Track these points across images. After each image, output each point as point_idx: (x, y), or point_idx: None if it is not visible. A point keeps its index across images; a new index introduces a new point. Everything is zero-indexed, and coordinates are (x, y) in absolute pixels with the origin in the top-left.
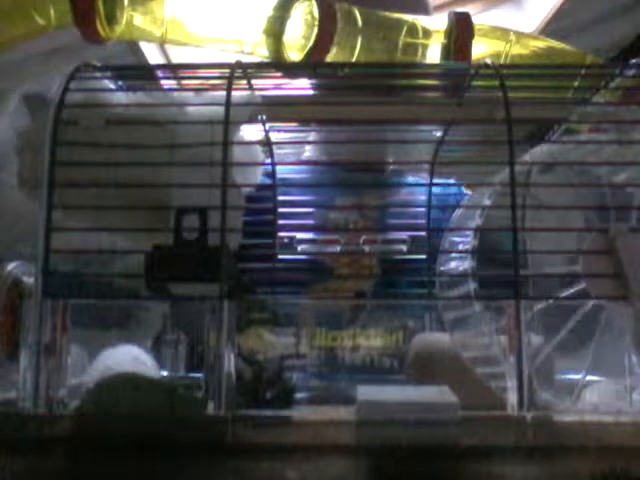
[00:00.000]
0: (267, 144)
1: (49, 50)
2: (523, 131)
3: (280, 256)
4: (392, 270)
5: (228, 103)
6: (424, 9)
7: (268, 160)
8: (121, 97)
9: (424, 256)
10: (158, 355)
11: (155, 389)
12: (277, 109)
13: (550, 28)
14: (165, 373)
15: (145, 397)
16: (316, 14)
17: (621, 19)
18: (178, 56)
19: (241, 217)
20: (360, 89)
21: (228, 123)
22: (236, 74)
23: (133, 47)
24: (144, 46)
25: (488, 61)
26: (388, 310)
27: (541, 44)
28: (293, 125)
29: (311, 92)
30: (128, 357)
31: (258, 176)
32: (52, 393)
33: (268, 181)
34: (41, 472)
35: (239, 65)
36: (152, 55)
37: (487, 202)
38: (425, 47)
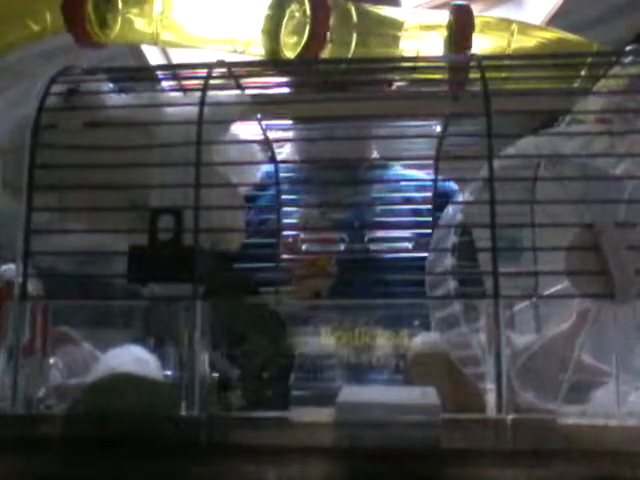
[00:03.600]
0: (267, 143)
1: (49, 50)
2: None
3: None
4: (349, 270)
5: (202, 103)
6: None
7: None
8: (102, 99)
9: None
10: (162, 355)
11: (142, 389)
12: (270, 107)
13: (550, 28)
14: (169, 373)
15: (127, 397)
16: (309, 12)
17: (621, 19)
18: (178, 56)
19: (242, 217)
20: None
21: (202, 123)
22: (223, 74)
23: (133, 48)
24: (145, 47)
25: (472, 53)
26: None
27: (547, 35)
28: (289, 123)
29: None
30: (130, 357)
31: (255, 175)
32: (31, 394)
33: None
34: (20, 473)
35: (219, 64)
36: (153, 56)
37: (468, 198)
38: (424, 41)
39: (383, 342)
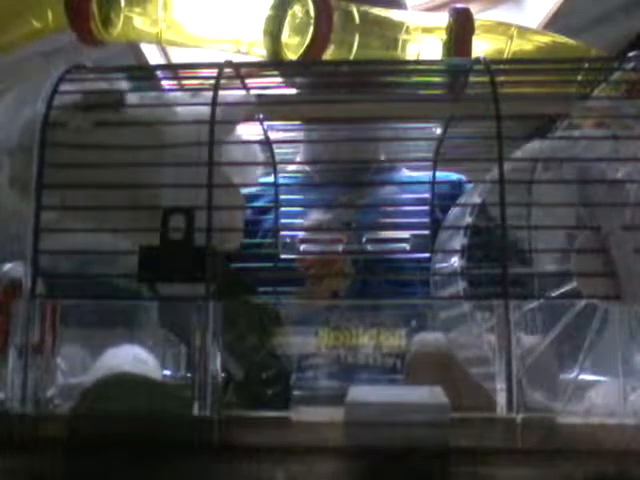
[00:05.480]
0: (266, 143)
1: (49, 50)
2: (523, 127)
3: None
4: (365, 270)
5: (214, 103)
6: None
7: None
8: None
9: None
10: (162, 355)
11: (145, 389)
12: (274, 108)
13: (550, 28)
14: (168, 372)
15: (135, 397)
16: (312, 12)
17: (621, 19)
18: (178, 56)
19: (242, 216)
20: (352, 86)
21: (214, 123)
22: (229, 74)
23: (134, 47)
24: (144, 46)
25: (480, 56)
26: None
27: (545, 39)
28: (291, 124)
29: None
30: (129, 357)
31: (257, 175)
32: (40, 393)
33: None
34: (27, 472)
35: (228, 64)
36: (152, 55)
37: (477, 200)
38: (425, 44)
39: (382, 342)
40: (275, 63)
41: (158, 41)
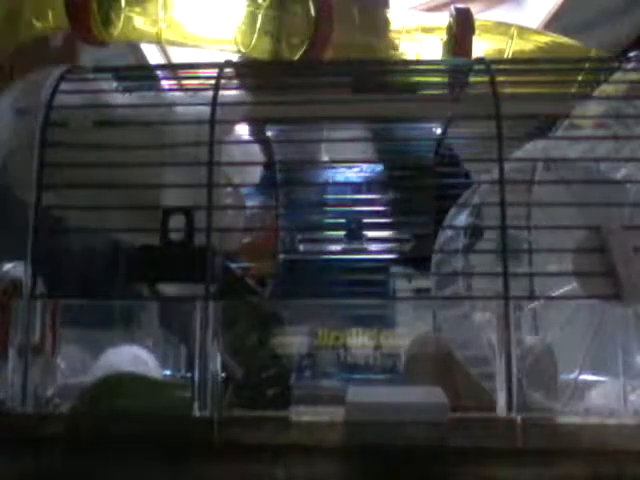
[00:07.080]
0: (267, 142)
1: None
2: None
3: None
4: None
5: (214, 103)
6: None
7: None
8: (111, 98)
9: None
10: (162, 355)
11: (145, 389)
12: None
13: (550, 28)
14: (168, 372)
15: (135, 397)
16: (312, 12)
17: (621, 19)
18: (178, 56)
19: (242, 217)
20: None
21: (214, 122)
22: (229, 74)
23: (133, 47)
24: (144, 46)
25: (480, 56)
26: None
27: (545, 39)
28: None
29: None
30: (129, 357)
31: (257, 175)
32: (40, 393)
33: None
34: (27, 472)
35: (228, 64)
36: (152, 55)
37: (476, 200)
38: (425, 44)
39: (382, 342)
40: (275, 63)
41: (158, 41)
